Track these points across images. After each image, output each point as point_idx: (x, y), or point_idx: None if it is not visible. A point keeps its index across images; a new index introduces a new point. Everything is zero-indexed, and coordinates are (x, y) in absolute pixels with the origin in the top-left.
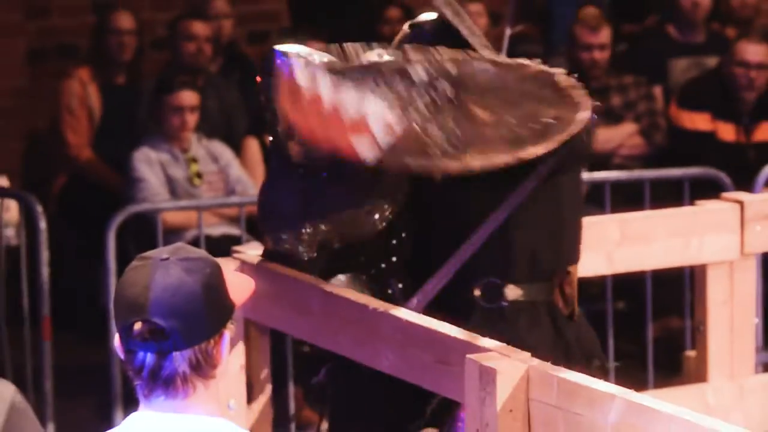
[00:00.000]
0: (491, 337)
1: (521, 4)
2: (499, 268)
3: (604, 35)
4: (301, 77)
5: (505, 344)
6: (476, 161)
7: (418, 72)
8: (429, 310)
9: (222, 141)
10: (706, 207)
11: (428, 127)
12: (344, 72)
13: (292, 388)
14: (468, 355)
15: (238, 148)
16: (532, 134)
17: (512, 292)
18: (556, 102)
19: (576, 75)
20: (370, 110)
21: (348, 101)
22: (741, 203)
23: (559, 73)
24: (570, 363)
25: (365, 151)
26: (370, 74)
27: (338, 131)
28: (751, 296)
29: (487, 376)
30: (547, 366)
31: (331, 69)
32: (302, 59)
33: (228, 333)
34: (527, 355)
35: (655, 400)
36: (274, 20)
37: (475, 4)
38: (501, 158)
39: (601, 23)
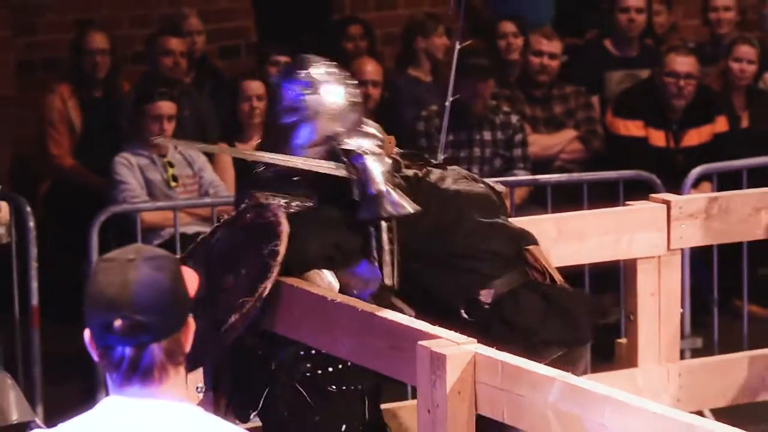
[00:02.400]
0: (490, 340)
1: (469, 19)
2: (464, 286)
3: (556, 46)
4: None
5: (453, 332)
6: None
7: None
8: None
9: None
10: (636, 207)
11: None
12: None
13: None
14: (420, 342)
15: (210, 154)
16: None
17: (486, 294)
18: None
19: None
20: None
21: None
22: (668, 203)
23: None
24: (569, 319)
25: None
26: None
27: None
28: (677, 288)
29: (438, 361)
30: (492, 351)
31: None
32: None
33: (190, 318)
34: (474, 341)
35: (590, 382)
36: (242, 36)
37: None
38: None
39: (554, 35)
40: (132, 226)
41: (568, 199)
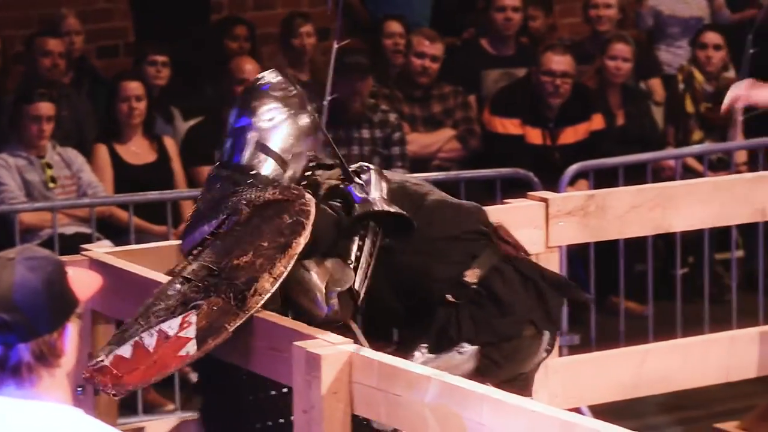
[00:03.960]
0: (483, 321)
1: (346, 19)
2: (446, 272)
3: (438, 48)
4: None
5: (330, 333)
6: (267, 283)
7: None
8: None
9: (74, 148)
10: (514, 204)
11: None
12: None
13: None
14: (295, 343)
15: (88, 154)
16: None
17: (471, 275)
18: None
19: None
20: None
21: None
22: (546, 201)
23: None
24: (542, 298)
25: None
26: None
27: None
28: None
29: (313, 361)
30: (368, 351)
31: None
32: None
33: (72, 325)
34: (349, 341)
35: (467, 381)
36: (120, 36)
37: (306, 25)
38: (280, 268)
39: (437, 38)
40: (10, 227)
41: None
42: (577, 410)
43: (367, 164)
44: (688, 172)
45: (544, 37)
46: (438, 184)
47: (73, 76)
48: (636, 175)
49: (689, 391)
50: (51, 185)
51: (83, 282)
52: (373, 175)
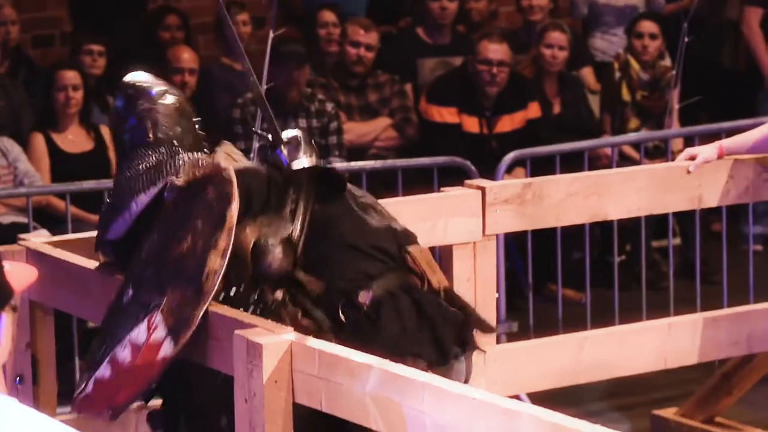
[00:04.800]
0: (361, 344)
1: (282, 8)
2: (342, 286)
3: (373, 37)
4: None
5: (271, 321)
6: (216, 262)
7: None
8: None
9: (10, 137)
10: (451, 193)
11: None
12: None
13: (77, 363)
14: (236, 331)
15: (25, 144)
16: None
17: (364, 296)
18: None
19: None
20: None
21: None
22: (483, 189)
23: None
24: (436, 335)
25: None
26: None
27: None
28: (493, 274)
29: (254, 350)
30: (309, 340)
31: None
32: None
33: (6, 316)
34: (290, 329)
35: (408, 369)
36: (56, 26)
37: (242, 14)
38: (222, 243)
39: (372, 26)
40: None
41: (383, 185)
42: (516, 398)
43: (295, 131)
44: (625, 160)
45: (482, 25)
46: (375, 172)
47: (9, 66)
48: (573, 163)
49: (628, 378)
50: None
51: (18, 274)
52: (303, 141)
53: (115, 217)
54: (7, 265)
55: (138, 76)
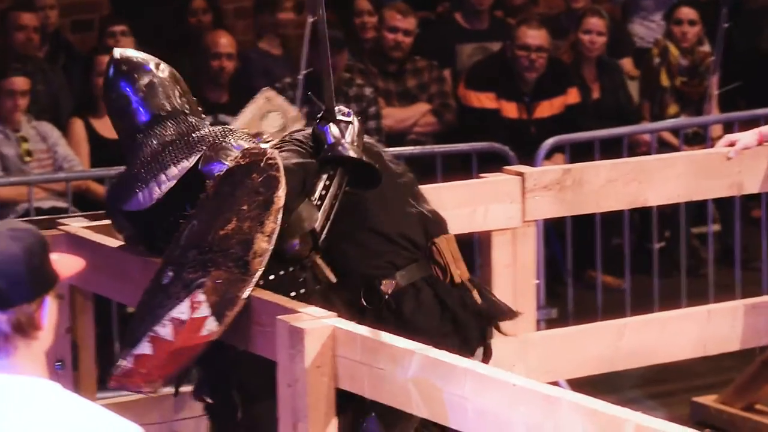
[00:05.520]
0: (381, 328)
1: None
2: (367, 271)
3: (410, 22)
4: None
5: (314, 307)
6: (263, 243)
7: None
8: None
9: (50, 122)
10: (491, 179)
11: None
12: None
13: (117, 347)
14: (278, 317)
15: (64, 129)
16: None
17: (388, 285)
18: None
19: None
20: None
21: None
22: (522, 175)
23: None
24: (459, 328)
25: None
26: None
27: None
28: (532, 260)
29: (296, 335)
30: (351, 325)
31: None
32: None
33: (51, 300)
34: (334, 315)
35: (450, 355)
36: (95, 10)
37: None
38: (270, 226)
39: (409, 12)
40: None
41: (422, 171)
42: (555, 384)
43: (351, 116)
44: (664, 146)
45: (520, 10)
46: (414, 158)
47: (48, 51)
48: (612, 149)
49: (667, 365)
50: (27, 159)
51: (65, 262)
52: (354, 128)
53: (137, 188)
54: (55, 256)
55: (126, 52)
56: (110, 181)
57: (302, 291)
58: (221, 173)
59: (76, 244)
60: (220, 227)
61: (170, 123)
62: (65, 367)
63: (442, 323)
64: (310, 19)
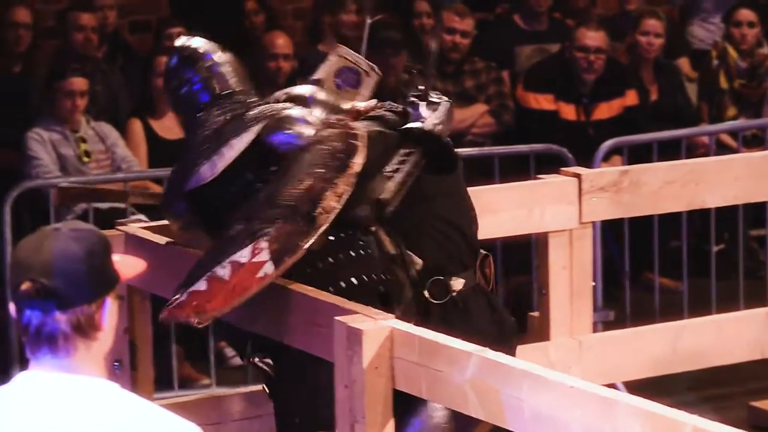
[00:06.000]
0: (448, 331)
1: None
2: (440, 263)
3: (468, 24)
4: None
5: (372, 308)
6: (333, 201)
7: None
8: None
9: (108, 122)
10: (547, 180)
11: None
12: None
13: (174, 349)
14: (336, 318)
15: (123, 129)
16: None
17: (456, 283)
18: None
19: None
20: None
21: None
22: (579, 176)
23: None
24: (504, 330)
25: None
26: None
27: None
28: (589, 262)
29: (354, 336)
30: (409, 327)
31: None
32: None
33: (111, 301)
34: (391, 316)
35: (507, 357)
36: (153, 11)
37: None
38: (342, 187)
39: (467, 13)
40: (45, 202)
41: (479, 172)
42: (612, 386)
43: (444, 99)
44: (722, 149)
45: (579, 12)
46: (471, 159)
47: (107, 51)
48: (670, 151)
49: (724, 367)
50: (85, 159)
51: (127, 263)
52: (443, 112)
53: (199, 164)
54: (117, 256)
55: (189, 41)
56: (167, 178)
57: (361, 252)
58: (302, 142)
59: (134, 244)
60: (294, 186)
61: (230, 102)
62: (123, 367)
63: (491, 325)
64: (368, 20)
